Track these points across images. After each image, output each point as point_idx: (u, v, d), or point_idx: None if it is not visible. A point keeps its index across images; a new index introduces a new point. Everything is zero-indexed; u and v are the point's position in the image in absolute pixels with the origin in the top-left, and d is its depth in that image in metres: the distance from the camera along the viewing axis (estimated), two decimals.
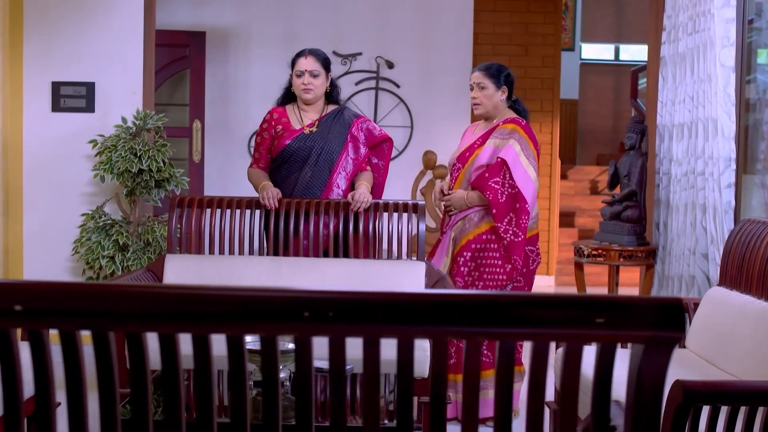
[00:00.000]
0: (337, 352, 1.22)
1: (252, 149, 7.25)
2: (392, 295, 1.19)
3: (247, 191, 6.41)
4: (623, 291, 6.41)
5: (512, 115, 4.10)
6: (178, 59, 7.04)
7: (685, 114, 4.67)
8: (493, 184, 3.92)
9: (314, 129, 4.08)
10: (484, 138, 4.08)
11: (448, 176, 4.25)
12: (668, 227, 4.85)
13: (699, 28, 4.50)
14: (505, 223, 3.91)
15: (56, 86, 4.98)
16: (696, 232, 4.49)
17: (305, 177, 4.06)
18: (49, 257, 4.98)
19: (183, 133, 7.05)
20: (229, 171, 7.30)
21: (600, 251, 4.88)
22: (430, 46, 7.34)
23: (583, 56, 11.33)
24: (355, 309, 1.13)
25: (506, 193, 3.91)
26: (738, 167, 4.38)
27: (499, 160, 3.94)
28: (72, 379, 1.25)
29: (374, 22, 7.31)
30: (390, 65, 7.29)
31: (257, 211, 4.08)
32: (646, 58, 10.67)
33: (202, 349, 1.26)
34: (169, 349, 1.26)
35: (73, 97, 4.97)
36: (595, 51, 11.54)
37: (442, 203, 4.19)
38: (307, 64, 4.03)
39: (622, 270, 5.53)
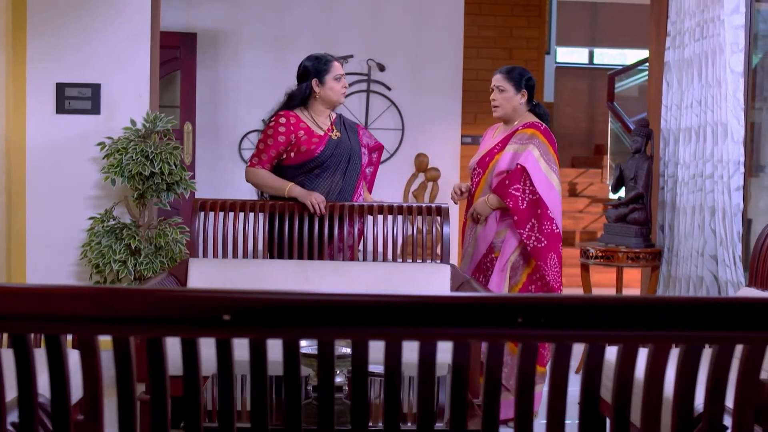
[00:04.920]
0: (528, 359, 1.23)
1: (242, 150, 7.23)
2: (584, 299, 1.20)
3: (239, 193, 6.34)
4: (626, 292, 6.50)
5: (532, 118, 4.13)
6: (168, 61, 6.96)
7: (693, 118, 4.75)
8: (513, 192, 3.95)
9: (338, 134, 4.07)
10: (504, 142, 4.11)
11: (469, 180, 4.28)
12: (674, 229, 4.93)
13: (707, 34, 4.58)
14: (527, 229, 3.94)
15: (61, 88, 4.89)
16: (704, 234, 4.57)
17: (337, 183, 4.03)
18: (53, 261, 4.89)
19: (174, 135, 6.97)
20: (220, 173, 7.25)
21: (607, 253, 4.95)
22: (421, 48, 7.37)
23: (558, 60, 11.47)
24: (569, 314, 1.14)
25: (527, 199, 3.94)
26: (745, 170, 4.47)
27: (518, 166, 3.97)
28: (262, 387, 1.24)
29: (365, 24, 7.32)
30: (381, 68, 7.30)
31: (278, 215, 4.06)
32: (620, 62, 10.90)
33: (290, 357, 1.26)
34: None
35: (78, 98, 4.89)
36: (570, 55, 11.70)
37: (469, 214, 4.19)
38: (342, 69, 4.06)
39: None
